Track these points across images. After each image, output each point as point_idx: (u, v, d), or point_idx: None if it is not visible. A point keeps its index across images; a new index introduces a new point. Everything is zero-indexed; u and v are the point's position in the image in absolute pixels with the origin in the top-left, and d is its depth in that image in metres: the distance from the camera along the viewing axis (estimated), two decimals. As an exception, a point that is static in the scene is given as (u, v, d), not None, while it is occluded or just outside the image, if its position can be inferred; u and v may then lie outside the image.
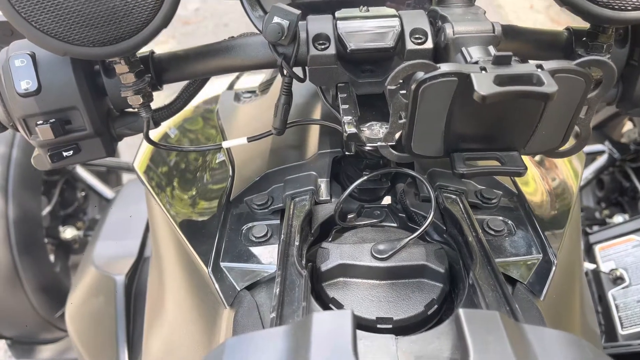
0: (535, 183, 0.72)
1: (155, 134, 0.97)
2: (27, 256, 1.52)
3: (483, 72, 0.44)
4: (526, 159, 0.78)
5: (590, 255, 1.41)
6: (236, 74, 1.16)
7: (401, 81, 0.47)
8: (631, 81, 0.62)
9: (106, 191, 1.86)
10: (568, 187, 0.74)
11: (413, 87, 0.45)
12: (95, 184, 1.87)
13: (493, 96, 0.41)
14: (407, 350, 0.43)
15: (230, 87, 1.06)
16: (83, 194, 1.97)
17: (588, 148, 1.87)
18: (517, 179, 0.68)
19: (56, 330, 1.67)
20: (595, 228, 1.55)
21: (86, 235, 1.85)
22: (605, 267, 1.36)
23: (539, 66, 0.44)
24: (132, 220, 1.17)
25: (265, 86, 0.95)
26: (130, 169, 1.57)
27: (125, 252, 1.09)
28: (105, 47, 0.51)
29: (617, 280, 1.31)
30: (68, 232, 1.81)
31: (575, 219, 0.68)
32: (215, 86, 1.08)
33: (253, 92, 0.98)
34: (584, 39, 0.61)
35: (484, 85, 0.42)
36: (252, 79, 1.12)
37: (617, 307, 1.29)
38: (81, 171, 1.87)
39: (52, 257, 1.76)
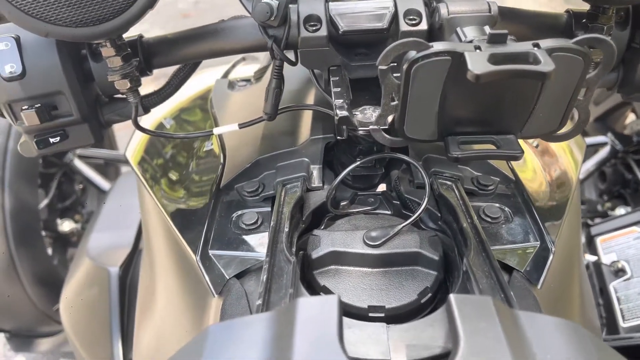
0: (533, 170, 0.70)
1: (150, 124, 0.96)
2: (24, 248, 1.51)
3: (477, 50, 0.42)
4: (525, 146, 0.77)
5: (592, 248, 1.39)
6: (231, 62, 1.14)
7: (395, 64, 0.45)
8: (633, 64, 0.60)
9: (104, 184, 1.84)
10: (567, 175, 0.73)
11: (405, 67, 0.43)
12: (93, 177, 1.86)
13: (487, 75, 0.40)
14: (398, 339, 0.42)
15: (225, 75, 1.05)
16: (81, 186, 1.96)
17: (590, 140, 1.85)
18: (515, 166, 0.66)
19: (54, 323, 1.66)
20: (597, 220, 1.53)
21: (84, 228, 1.85)
22: (606, 259, 1.34)
23: (536, 45, 0.42)
24: (128, 212, 1.16)
25: (260, 74, 0.94)
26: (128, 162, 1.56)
27: (119, 244, 1.08)
28: (88, 28, 0.49)
29: (619, 272, 1.30)
30: (66, 225, 1.81)
31: (574, 208, 0.67)
32: (211, 76, 1.07)
33: (248, 80, 0.96)
34: (584, 20, 0.59)
35: (477, 63, 0.40)
36: (247, 68, 1.10)
37: (618, 299, 1.28)
38: (79, 164, 1.86)
39: (49, 250, 1.75)
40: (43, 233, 1.69)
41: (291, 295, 0.43)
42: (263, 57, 1.21)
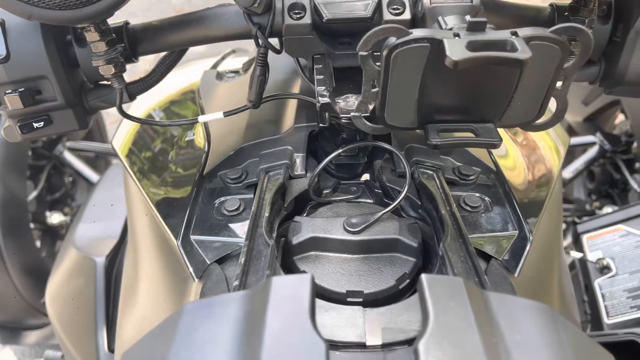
0: (515, 161, 0.71)
1: (139, 114, 0.96)
2: (11, 240, 1.50)
3: (456, 38, 0.43)
4: (507, 137, 0.77)
5: (578, 245, 1.40)
6: (221, 54, 1.14)
7: (376, 52, 0.46)
8: (614, 58, 0.61)
9: (94, 177, 1.84)
10: (549, 168, 0.74)
11: (385, 53, 0.44)
12: (83, 170, 1.85)
13: (465, 62, 0.40)
14: (374, 322, 0.42)
15: (214, 67, 1.05)
16: (71, 179, 1.95)
17: (579, 139, 1.87)
18: (496, 157, 0.67)
19: (42, 316, 1.65)
20: (585, 218, 1.54)
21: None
22: (592, 256, 1.35)
23: (514, 33, 0.43)
24: (116, 203, 1.15)
25: (249, 65, 0.94)
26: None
27: (107, 234, 1.08)
28: (71, 11, 0.50)
29: (604, 269, 1.31)
30: (55, 218, 1.80)
31: (555, 199, 0.68)
32: (203, 69, 1.07)
33: (237, 72, 0.97)
34: (566, 13, 0.60)
35: (455, 50, 0.41)
36: (237, 61, 1.10)
37: (603, 296, 1.29)
38: (69, 156, 1.85)
39: (38, 243, 1.75)
40: (32, 225, 1.68)
41: (268, 276, 0.44)
42: (253, 49, 1.21)
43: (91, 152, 1.93)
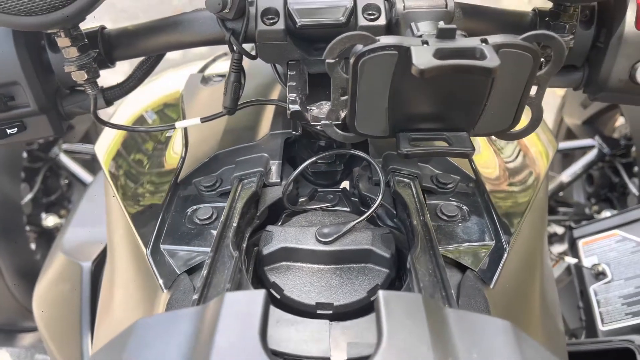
0: (496, 169, 0.69)
1: (126, 118, 0.95)
2: (5, 242, 1.50)
3: (424, 45, 0.42)
4: (488, 145, 0.76)
5: (574, 250, 1.38)
6: (210, 57, 1.13)
7: (345, 58, 0.45)
8: (597, 64, 0.59)
9: (90, 179, 1.83)
10: (532, 175, 0.72)
11: (352, 60, 0.43)
12: (78, 172, 1.85)
13: (431, 70, 0.39)
14: (339, 336, 0.41)
15: (202, 70, 1.04)
16: (66, 181, 1.95)
17: (578, 143, 1.85)
18: (477, 165, 0.66)
19: (36, 318, 1.65)
20: (584, 222, 1.52)
21: (69, 224, 1.83)
22: (587, 262, 1.34)
23: (484, 40, 0.42)
24: (104, 207, 1.15)
25: (234, 69, 0.93)
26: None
27: (94, 239, 1.07)
28: (38, 17, 0.49)
29: (599, 275, 1.29)
30: (50, 220, 1.80)
31: (538, 206, 0.66)
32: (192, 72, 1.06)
33: (223, 75, 0.96)
34: (547, 19, 0.58)
35: (422, 58, 0.40)
36: (227, 64, 1.09)
37: (598, 302, 1.27)
38: (65, 158, 1.85)
39: (33, 245, 1.75)
40: (27, 228, 1.68)
41: (228, 290, 0.43)
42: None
43: (87, 154, 1.93)
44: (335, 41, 0.43)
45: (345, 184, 0.65)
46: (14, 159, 1.55)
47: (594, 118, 1.84)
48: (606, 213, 1.72)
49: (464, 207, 0.59)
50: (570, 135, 1.95)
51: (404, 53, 0.42)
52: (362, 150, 0.59)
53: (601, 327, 1.24)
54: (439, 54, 0.40)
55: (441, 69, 0.39)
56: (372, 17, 0.54)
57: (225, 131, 0.68)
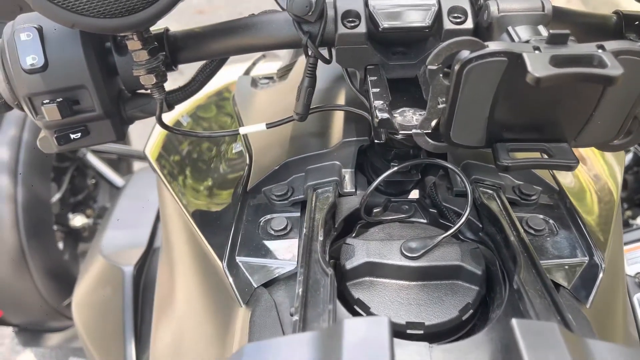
0: (577, 179, 0.66)
1: (166, 121, 0.93)
2: (35, 241, 1.49)
3: (537, 51, 0.39)
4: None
5: (615, 258, 1.35)
6: (252, 59, 1.11)
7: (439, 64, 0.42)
8: None
9: (117, 179, 1.83)
10: (610, 186, 0.69)
11: (457, 67, 0.40)
12: (105, 172, 1.84)
13: (549, 78, 0.37)
14: None
15: (247, 72, 1.02)
16: (93, 181, 1.94)
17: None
18: (557, 175, 0.63)
19: (63, 319, 1.64)
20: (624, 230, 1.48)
21: (96, 223, 1.83)
22: (630, 270, 1.30)
23: (600, 46, 0.39)
24: (142, 210, 1.13)
25: (284, 72, 0.91)
26: (141, 157, 1.54)
27: (134, 242, 1.06)
28: (116, 19, 0.47)
29: (644, 284, 1.26)
30: (77, 220, 1.79)
31: (618, 220, 0.63)
32: (230, 73, 1.04)
33: (271, 78, 0.93)
34: (637, 23, 0.56)
35: (538, 66, 0.37)
36: (268, 66, 1.07)
37: (643, 312, 1.24)
38: (92, 158, 1.84)
39: (60, 245, 1.74)
40: (54, 227, 1.67)
41: (330, 312, 0.40)
42: (284, 54, 1.18)
43: (114, 154, 1.92)
44: (442, 47, 0.40)
45: (415, 193, 0.62)
46: (45, 158, 1.53)
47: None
48: (642, 219, 1.68)
49: (550, 220, 0.56)
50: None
51: (515, 60, 0.39)
52: (441, 159, 0.56)
53: (647, 338, 1.21)
54: (554, 61, 0.38)
55: (559, 77, 0.37)
56: (459, 20, 0.52)
57: (293, 137, 0.66)
